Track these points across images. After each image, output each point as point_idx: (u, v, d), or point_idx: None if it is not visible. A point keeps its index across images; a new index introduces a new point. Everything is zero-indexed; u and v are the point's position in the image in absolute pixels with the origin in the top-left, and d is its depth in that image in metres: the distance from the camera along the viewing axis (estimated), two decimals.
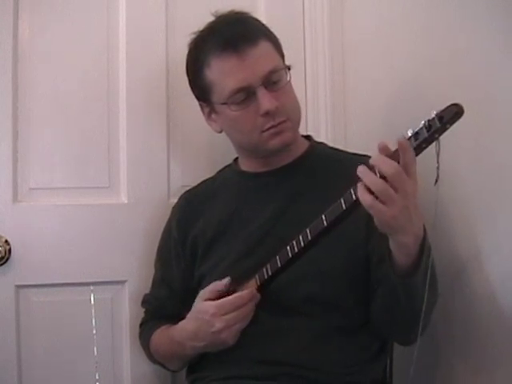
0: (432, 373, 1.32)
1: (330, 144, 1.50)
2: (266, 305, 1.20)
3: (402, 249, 1.03)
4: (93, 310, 1.45)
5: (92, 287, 1.47)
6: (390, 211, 0.96)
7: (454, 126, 0.92)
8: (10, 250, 1.44)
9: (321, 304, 1.20)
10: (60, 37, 1.51)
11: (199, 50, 1.27)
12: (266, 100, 1.21)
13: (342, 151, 1.40)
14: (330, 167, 1.32)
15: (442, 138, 0.93)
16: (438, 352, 1.30)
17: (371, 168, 0.97)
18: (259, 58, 1.22)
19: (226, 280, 1.22)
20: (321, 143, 1.43)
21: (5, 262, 1.43)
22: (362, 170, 0.97)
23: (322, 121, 1.67)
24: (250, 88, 1.22)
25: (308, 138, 1.40)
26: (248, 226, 1.29)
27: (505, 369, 1.16)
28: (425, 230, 1.04)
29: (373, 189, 0.96)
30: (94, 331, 1.45)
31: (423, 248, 1.03)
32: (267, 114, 1.22)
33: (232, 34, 1.23)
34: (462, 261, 1.25)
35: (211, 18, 1.30)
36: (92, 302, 1.46)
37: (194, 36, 1.31)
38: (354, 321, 1.21)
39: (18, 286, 1.46)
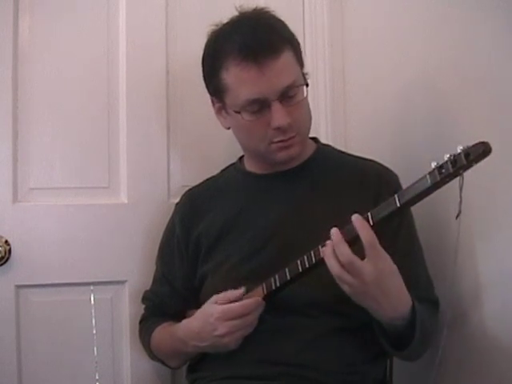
0: None
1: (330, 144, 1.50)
2: (267, 306, 1.20)
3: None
4: (93, 310, 1.45)
5: (92, 287, 1.47)
6: (348, 290, 1.05)
7: None
8: (10, 250, 1.44)
9: (321, 308, 1.20)
10: (60, 37, 1.51)
11: (219, 49, 1.23)
12: (279, 116, 1.19)
13: (348, 155, 1.39)
14: (336, 171, 1.32)
15: None
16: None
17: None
18: (279, 72, 1.19)
19: (241, 291, 1.21)
20: (327, 146, 1.42)
21: (5, 262, 1.43)
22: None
23: (322, 121, 1.68)
24: (266, 101, 1.20)
25: (314, 139, 1.40)
26: (253, 227, 1.29)
27: None
28: (414, 311, 1.10)
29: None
30: (94, 331, 1.45)
31: (413, 327, 1.10)
32: (278, 129, 1.21)
33: (255, 42, 1.18)
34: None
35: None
36: (92, 301, 1.46)
37: (215, 28, 1.27)
38: (354, 322, 1.21)
39: (18, 286, 1.46)
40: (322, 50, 1.68)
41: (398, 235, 1.22)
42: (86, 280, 1.49)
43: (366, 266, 1.02)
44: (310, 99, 1.66)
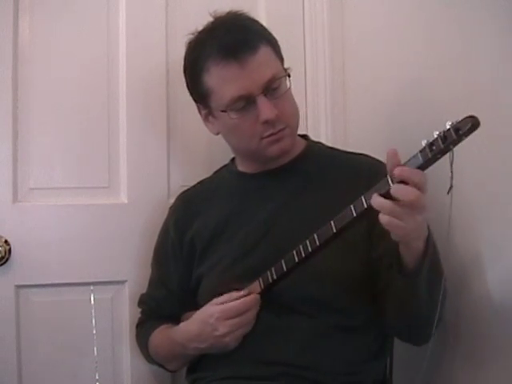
0: (435, 375, 1.31)
1: (330, 144, 1.50)
2: (265, 304, 1.21)
3: (413, 253, 1.05)
4: (93, 310, 1.45)
5: (92, 287, 1.47)
6: (408, 226, 0.98)
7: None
8: (9, 250, 1.44)
9: (318, 304, 1.20)
10: (60, 37, 1.51)
11: (198, 54, 1.26)
12: (265, 109, 1.20)
13: (339, 150, 1.40)
14: (327, 167, 1.32)
15: None
16: (442, 354, 1.29)
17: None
18: (259, 65, 1.21)
19: (241, 293, 1.21)
20: (318, 143, 1.42)
21: (5, 262, 1.43)
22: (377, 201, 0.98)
23: (322, 121, 1.67)
24: (250, 96, 1.21)
25: (304, 137, 1.40)
26: (246, 226, 1.29)
27: (507, 371, 1.14)
28: (428, 228, 1.06)
29: (392, 214, 0.97)
30: (94, 331, 1.45)
31: (427, 248, 1.05)
32: (267, 122, 1.21)
33: (232, 40, 1.21)
34: (466, 266, 1.24)
35: (211, 19, 1.29)
36: (92, 302, 1.46)
37: (192, 37, 1.30)
38: (353, 321, 1.21)
39: (18, 286, 1.46)
40: (321, 48, 1.67)
41: None
42: (86, 280, 1.49)
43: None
44: (309, 98, 1.68)
